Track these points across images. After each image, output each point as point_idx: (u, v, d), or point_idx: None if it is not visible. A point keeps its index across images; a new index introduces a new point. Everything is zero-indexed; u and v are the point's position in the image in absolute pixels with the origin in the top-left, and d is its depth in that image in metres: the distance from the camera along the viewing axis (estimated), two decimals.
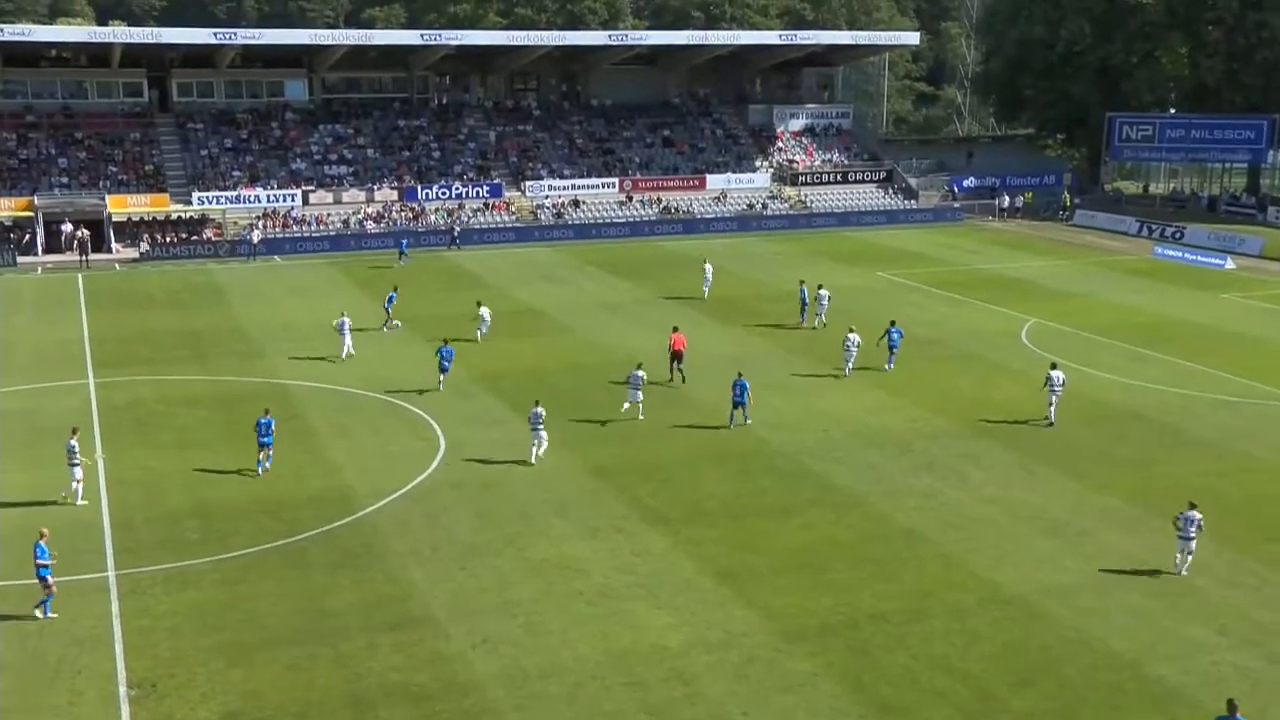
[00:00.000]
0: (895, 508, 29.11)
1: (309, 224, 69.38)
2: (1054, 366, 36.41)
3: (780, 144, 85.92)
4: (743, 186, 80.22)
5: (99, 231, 64.33)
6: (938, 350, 44.42)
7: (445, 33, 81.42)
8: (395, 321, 46.98)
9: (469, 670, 21.41)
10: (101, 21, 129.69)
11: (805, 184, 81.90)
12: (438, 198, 73.31)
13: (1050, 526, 28.04)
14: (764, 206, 78.66)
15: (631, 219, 75.23)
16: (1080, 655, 22.11)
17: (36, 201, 64.94)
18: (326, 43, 74.77)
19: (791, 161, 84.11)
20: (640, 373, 35.69)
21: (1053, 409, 35.47)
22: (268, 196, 70.30)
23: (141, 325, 48.25)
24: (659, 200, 77.27)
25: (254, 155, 73.60)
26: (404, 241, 64.54)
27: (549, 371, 41.03)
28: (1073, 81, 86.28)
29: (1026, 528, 27.98)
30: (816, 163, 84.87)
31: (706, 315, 50.02)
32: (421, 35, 78.28)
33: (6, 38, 67.71)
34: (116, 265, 62.75)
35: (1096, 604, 24.13)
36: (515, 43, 78.80)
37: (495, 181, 75.64)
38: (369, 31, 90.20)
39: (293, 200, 70.71)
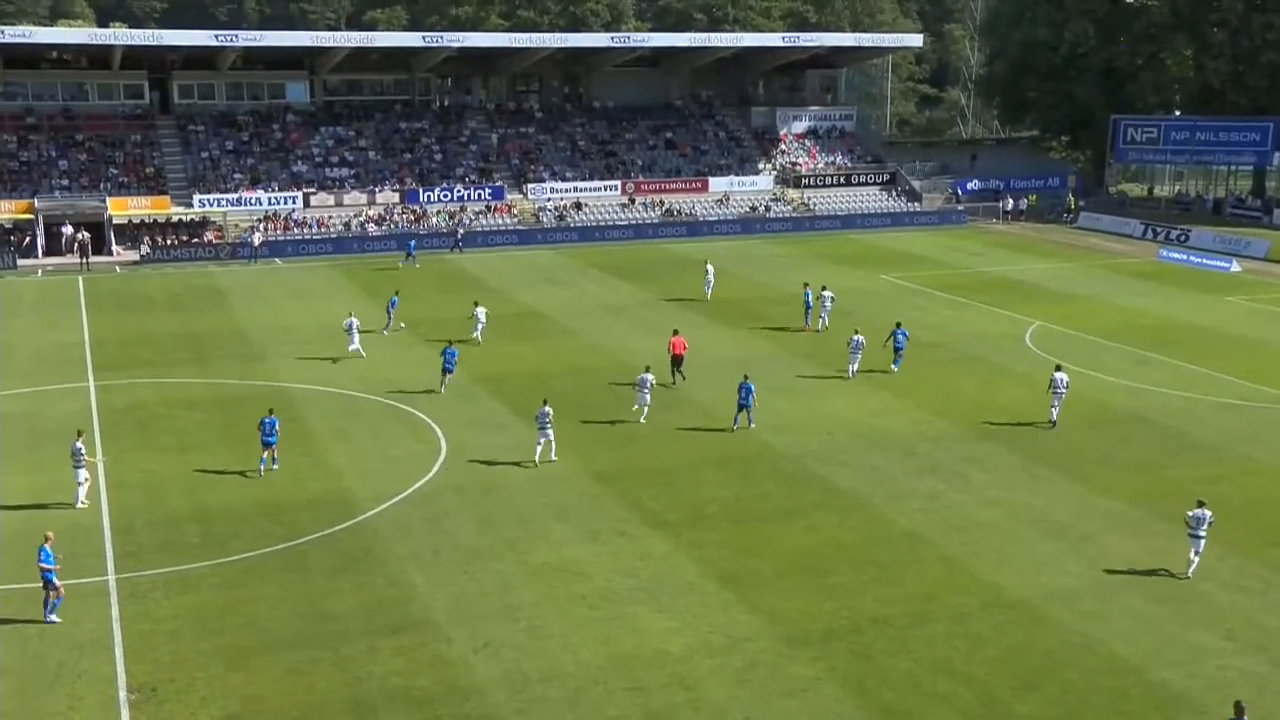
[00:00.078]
0: (898, 511, 29.03)
1: (310, 226, 69.31)
2: (1059, 368, 36.39)
3: (783, 146, 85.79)
4: (745, 189, 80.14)
5: (99, 234, 64.27)
6: (942, 353, 44.34)
7: (447, 35, 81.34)
8: (399, 324, 46.91)
9: (470, 674, 21.32)
10: (102, 23, 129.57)
11: (808, 186, 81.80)
12: (439, 200, 73.21)
13: (1054, 530, 27.94)
14: (767, 209, 78.55)
15: (634, 221, 75.15)
16: (1084, 660, 21.99)
17: (37, 204, 64.86)
18: (328, 45, 74.68)
19: (794, 164, 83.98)
20: (649, 375, 35.64)
21: (1055, 410, 35.41)
22: (269, 199, 70.22)
23: (142, 328, 48.19)
24: (661, 203, 77.14)
25: (255, 157, 73.54)
26: (411, 243, 64.34)
27: (551, 374, 40.92)
28: (1077, 83, 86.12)
29: (1030, 531, 27.89)
30: (819, 165, 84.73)
31: (709, 318, 49.96)
32: (423, 37, 78.13)
33: (7, 40, 67.62)
34: (117, 268, 62.70)
35: (1100, 608, 24.01)
36: (517, 45, 78.77)
37: (497, 184, 75.55)
38: (370, 33, 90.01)
39: (294, 203, 70.61)
